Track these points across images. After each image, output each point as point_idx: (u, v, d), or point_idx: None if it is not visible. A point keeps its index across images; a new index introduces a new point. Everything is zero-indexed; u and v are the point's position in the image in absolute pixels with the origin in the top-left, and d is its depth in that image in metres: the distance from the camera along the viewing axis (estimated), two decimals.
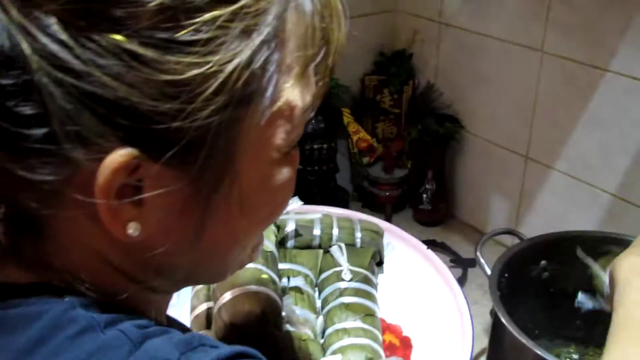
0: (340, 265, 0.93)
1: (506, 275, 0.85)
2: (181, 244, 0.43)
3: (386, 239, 1.05)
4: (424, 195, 1.47)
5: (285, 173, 0.46)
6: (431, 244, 1.40)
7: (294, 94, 0.43)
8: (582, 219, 1.24)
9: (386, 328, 0.92)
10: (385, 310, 0.94)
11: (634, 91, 1.09)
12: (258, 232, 0.51)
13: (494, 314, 0.76)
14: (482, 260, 0.87)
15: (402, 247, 1.05)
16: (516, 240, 1.01)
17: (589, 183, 1.21)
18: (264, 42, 0.39)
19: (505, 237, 1.35)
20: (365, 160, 1.50)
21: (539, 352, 0.70)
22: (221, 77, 0.37)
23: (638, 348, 0.60)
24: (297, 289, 0.89)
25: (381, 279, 1.00)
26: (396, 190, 1.50)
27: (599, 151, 1.18)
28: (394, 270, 1.02)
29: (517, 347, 0.74)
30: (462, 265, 1.32)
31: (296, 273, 0.93)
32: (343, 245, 0.96)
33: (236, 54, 0.38)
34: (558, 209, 1.29)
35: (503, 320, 0.74)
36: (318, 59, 0.44)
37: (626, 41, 1.08)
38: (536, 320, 0.90)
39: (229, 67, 0.38)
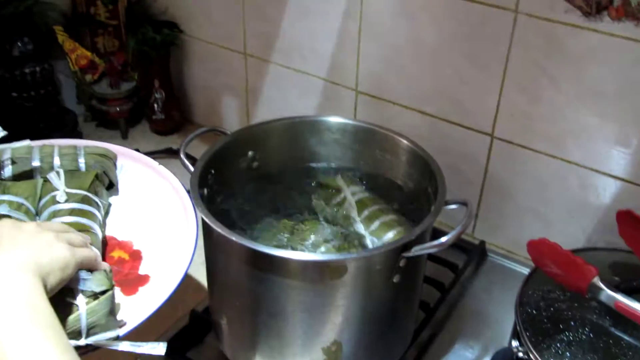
0: (57, 190, 0.90)
1: (212, 171, 0.88)
2: None
3: (120, 162, 1.03)
4: (156, 105, 1.45)
5: None
6: (168, 152, 1.40)
7: None
8: (304, 106, 1.31)
9: (116, 245, 0.92)
10: (118, 228, 0.94)
11: None
12: None
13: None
14: (186, 162, 0.88)
15: (133, 166, 1.04)
16: None
17: (304, 71, 1.27)
18: None
19: None
20: (89, 77, 1.44)
21: (237, 241, 0.72)
22: None
23: None
24: (7, 217, 0.85)
25: (116, 201, 0.99)
26: (127, 105, 1.46)
27: (309, 40, 1.24)
28: (129, 191, 1.01)
29: (222, 241, 0.76)
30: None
31: (7, 203, 0.88)
32: (61, 170, 0.93)
33: None
34: (282, 99, 1.34)
35: (204, 217, 0.76)
36: None
37: None
38: (255, 208, 0.94)
39: None
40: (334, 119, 0.98)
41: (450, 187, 0.85)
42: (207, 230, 0.82)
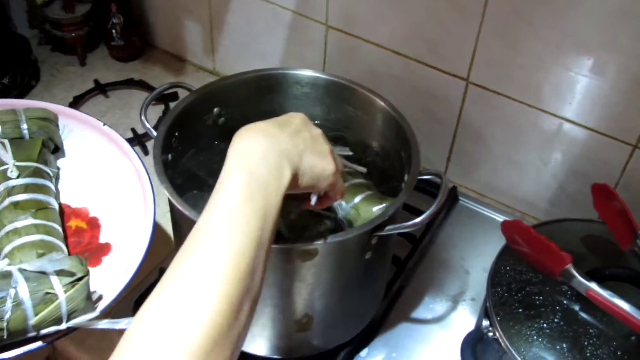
0: (5, 164, 0.86)
1: (177, 134, 0.82)
2: None
3: (62, 122, 0.98)
4: (114, 31, 1.36)
5: None
6: (129, 83, 1.34)
7: None
8: (270, 38, 1.24)
9: (71, 213, 0.89)
10: (70, 195, 0.91)
11: None
12: None
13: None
14: (147, 125, 0.83)
15: (79, 127, 0.98)
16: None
17: (270, 0, 1.20)
18: None
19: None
20: (40, 0, 1.34)
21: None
22: None
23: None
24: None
25: (63, 164, 0.94)
26: (83, 30, 1.37)
27: None
28: (75, 152, 0.96)
29: (187, 219, 0.71)
30: (163, 101, 1.28)
31: None
32: (6, 141, 0.88)
33: None
34: (248, 29, 1.27)
35: (168, 194, 0.72)
36: None
37: None
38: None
39: None
40: (304, 72, 0.92)
41: (424, 130, 0.83)
42: (171, 204, 0.79)
